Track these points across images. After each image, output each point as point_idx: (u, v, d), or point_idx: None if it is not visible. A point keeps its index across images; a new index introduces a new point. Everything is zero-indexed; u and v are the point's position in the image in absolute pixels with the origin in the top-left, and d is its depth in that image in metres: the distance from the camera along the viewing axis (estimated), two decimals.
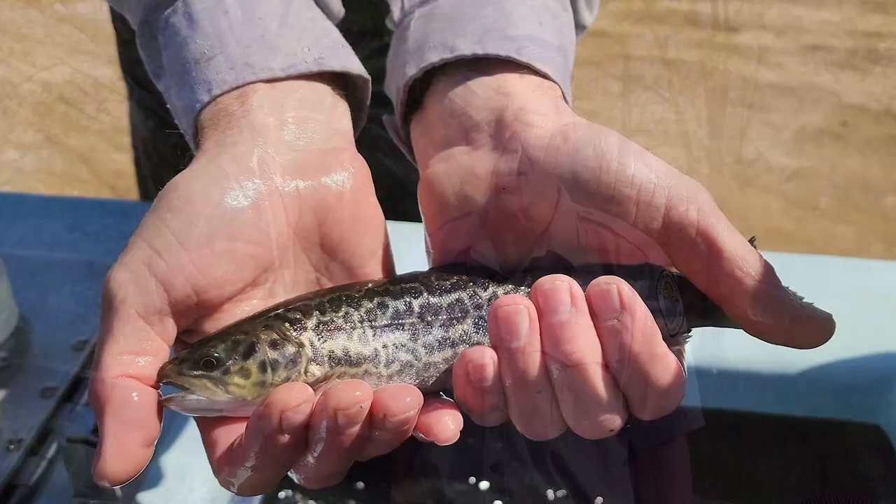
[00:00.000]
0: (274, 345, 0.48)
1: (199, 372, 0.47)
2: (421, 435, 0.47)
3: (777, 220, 2.87)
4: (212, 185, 0.49)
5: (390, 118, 0.61)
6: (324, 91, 0.56)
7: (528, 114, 0.52)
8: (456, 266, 0.52)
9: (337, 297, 0.50)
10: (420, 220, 0.56)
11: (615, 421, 0.47)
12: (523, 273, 0.52)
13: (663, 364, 0.46)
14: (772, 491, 1.04)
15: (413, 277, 0.52)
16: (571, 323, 0.45)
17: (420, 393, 0.47)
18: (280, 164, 0.51)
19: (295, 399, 0.44)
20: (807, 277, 1.04)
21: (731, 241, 0.47)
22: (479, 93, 0.53)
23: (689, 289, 0.51)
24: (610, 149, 0.48)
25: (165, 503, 0.82)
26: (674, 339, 0.51)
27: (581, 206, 0.48)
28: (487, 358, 0.46)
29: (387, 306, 0.50)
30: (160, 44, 0.58)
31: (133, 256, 0.47)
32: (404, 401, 0.45)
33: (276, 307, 0.50)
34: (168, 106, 0.59)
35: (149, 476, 0.84)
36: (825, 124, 3.36)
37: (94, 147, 3.34)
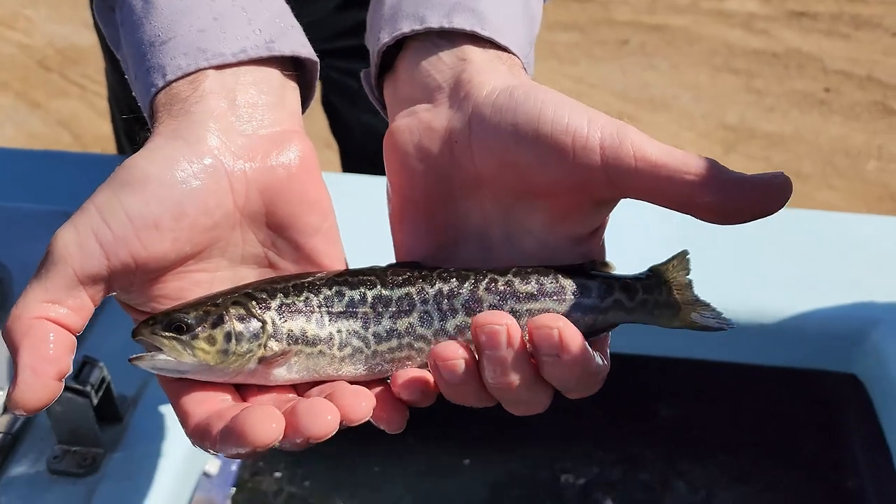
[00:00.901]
0: (241, 318, 0.53)
1: (170, 334, 0.53)
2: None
3: None
4: (165, 168, 0.52)
5: (367, 73, 0.65)
6: (273, 74, 0.59)
7: (482, 77, 0.56)
8: (411, 264, 0.58)
9: (300, 284, 0.55)
10: None
11: (544, 406, 0.54)
12: (469, 270, 0.56)
13: (593, 376, 0.52)
14: (749, 441, 1.06)
15: (371, 271, 0.56)
16: (507, 359, 0.51)
17: (371, 396, 0.53)
18: (229, 148, 0.54)
19: (270, 434, 0.48)
20: (785, 230, 1.05)
21: (668, 155, 0.50)
22: (444, 59, 0.58)
23: (618, 286, 0.56)
24: (546, 103, 0.53)
25: (146, 448, 0.82)
26: (602, 333, 0.57)
27: (524, 156, 0.53)
28: (459, 353, 0.52)
29: (343, 295, 0.55)
30: (117, 19, 0.61)
31: (83, 220, 0.51)
32: (360, 406, 0.51)
33: (247, 286, 0.55)
34: (125, 76, 0.62)
35: (131, 425, 0.84)
36: (809, 90, 3.37)
37: (76, 112, 3.32)
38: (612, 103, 3.30)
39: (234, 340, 0.53)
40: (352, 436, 1.05)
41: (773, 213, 0.49)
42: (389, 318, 0.55)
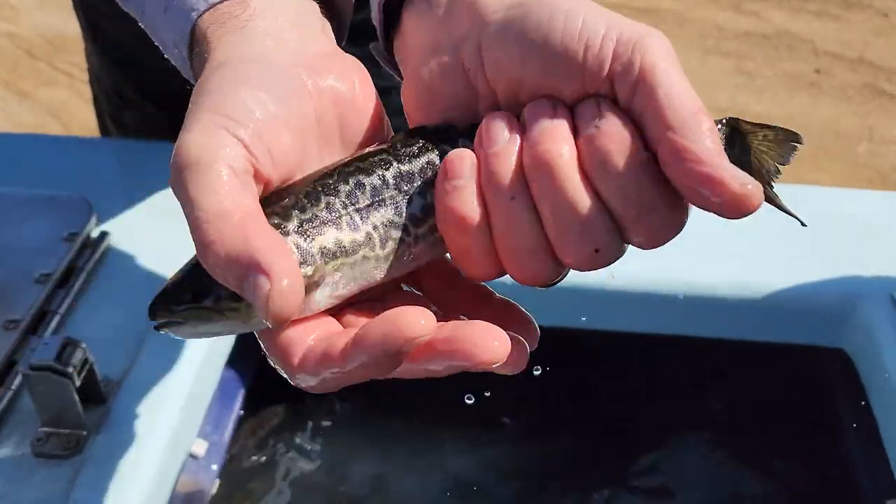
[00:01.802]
0: None
1: (188, 305, 0.46)
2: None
3: None
4: (259, 67, 0.48)
5: (376, 45, 0.60)
6: (312, 5, 0.56)
7: None
8: (414, 131, 0.51)
9: (312, 190, 0.47)
10: None
11: (601, 236, 0.45)
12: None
13: (650, 172, 0.44)
14: (737, 417, 1.06)
15: (378, 150, 0.50)
16: (550, 129, 0.45)
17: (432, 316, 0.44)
18: (294, 61, 0.50)
19: (422, 329, 0.42)
20: (772, 206, 1.04)
21: (670, 88, 0.44)
22: None
23: None
24: (558, 7, 0.47)
25: (131, 430, 0.82)
26: None
27: (535, 72, 0.47)
28: (465, 154, 0.46)
29: (364, 185, 0.48)
30: None
31: (204, 122, 0.45)
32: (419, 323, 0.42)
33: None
34: (142, 25, 0.58)
35: (115, 407, 0.84)
36: (799, 72, 3.36)
37: (64, 101, 3.29)
38: None
39: None
40: (342, 413, 1.05)
41: (717, 214, 0.44)
42: (418, 194, 0.48)
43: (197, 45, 0.53)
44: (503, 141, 0.46)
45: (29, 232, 0.97)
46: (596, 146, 0.44)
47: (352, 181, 0.48)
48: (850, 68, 3.36)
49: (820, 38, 3.52)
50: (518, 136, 0.46)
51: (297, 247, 0.46)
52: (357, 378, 0.45)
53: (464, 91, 0.51)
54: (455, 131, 0.50)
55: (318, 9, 0.57)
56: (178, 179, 0.44)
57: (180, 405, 0.86)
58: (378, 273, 0.48)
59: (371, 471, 1.02)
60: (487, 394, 0.93)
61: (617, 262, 0.46)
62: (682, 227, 0.46)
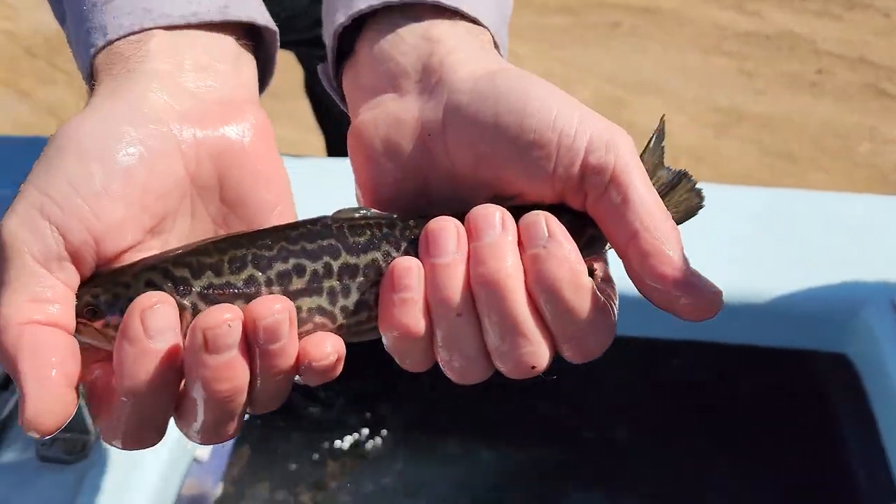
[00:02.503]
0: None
1: (83, 319, 0.46)
2: (299, 363, 0.45)
3: (751, 167, 2.89)
4: (105, 129, 0.47)
5: (325, 66, 0.60)
6: (227, 41, 0.54)
7: (454, 59, 0.51)
8: (359, 211, 0.50)
9: (241, 256, 0.46)
10: None
11: (539, 356, 0.46)
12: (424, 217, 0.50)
13: (589, 297, 0.45)
14: (739, 421, 1.06)
15: (326, 232, 0.48)
16: (498, 244, 0.45)
17: (291, 304, 0.45)
18: (177, 111, 0.49)
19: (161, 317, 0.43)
20: (774, 210, 1.05)
21: (642, 194, 0.46)
22: (408, 39, 0.53)
23: (591, 222, 0.50)
24: (534, 93, 0.48)
25: None
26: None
27: (504, 151, 0.48)
28: (413, 265, 0.46)
29: (304, 270, 0.47)
30: None
31: (24, 203, 0.45)
32: (273, 306, 0.43)
33: (171, 253, 0.47)
34: (69, 47, 0.57)
35: None
36: (800, 72, 3.37)
37: (63, 100, 3.29)
38: (603, 87, 3.30)
39: None
40: (347, 416, 1.06)
41: (692, 321, 0.45)
42: (357, 289, 0.47)
43: (91, 81, 0.52)
44: (451, 253, 0.45)
45: None
46: (543, 270, 0.45)
47: (292, 262, 0.47)
48: (851, 68, 3.36)
49: (821, 38, 3.52)
50: (465, 247, 0.45)
51: (194, 308, 0.45)
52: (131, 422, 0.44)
53: (416, 153, 0.51)
54: (399, 227, 0.49)
55: (237, 46, 0.55)
56: None
57: None
58: None
59: (376, 474, 1.02)
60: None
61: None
62: (609, 344, 0.47)
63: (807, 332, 0.98)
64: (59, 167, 0.45)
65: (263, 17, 0.56)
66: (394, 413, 1.06)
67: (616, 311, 0.47)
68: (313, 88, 1.31)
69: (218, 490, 0.95)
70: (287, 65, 0.93)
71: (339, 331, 0.48)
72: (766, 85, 3.31)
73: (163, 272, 0.46)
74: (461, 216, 0.47)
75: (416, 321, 0.46)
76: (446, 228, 0.46)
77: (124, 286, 0.46)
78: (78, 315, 0.45)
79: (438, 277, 0.45)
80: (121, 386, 0.43)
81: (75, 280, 0.46)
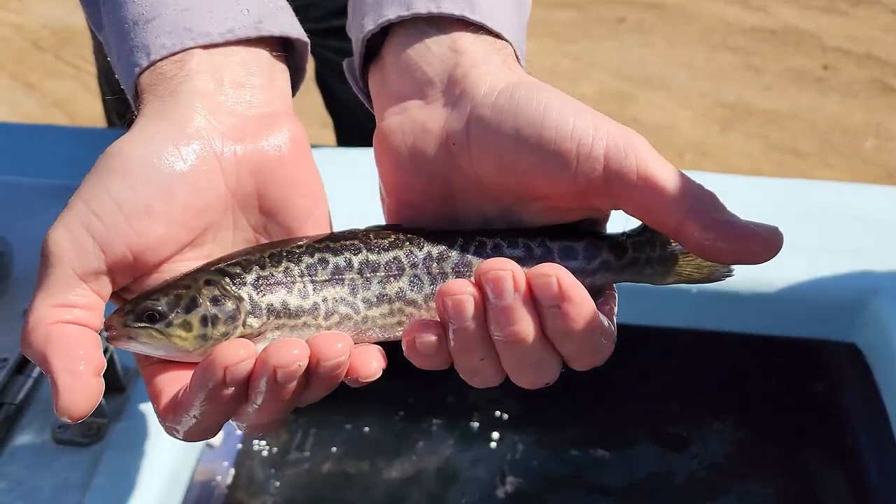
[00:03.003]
0: (215, 300, 0.50)
1: (143, 324, 0.50)
2: (347, 376, 0.50)
3: (758, 163, 2.89)
4: (151, 150, 0.51)
5: (350, 63, 0.62)
6: (262, 55, 0.57)
7: (477, 73, 0.54)
8: (390, 226, 0.55)
9: (277, 253, 0.52)
10: None
11: (552, 375, 0.51)
12: (454, 232, 0.54)
13: (599, 330, 0.49)
14: (748, 411, 1.06)
15: (353, 234, 0.54)
16: (514, 308, 0.48)
17: (350, 339, 0.50)
18: (218, 129, 0.53)
19: (238, 356, 0.47)
20: (784, 201, 1.05)
21: (671, 179, 0.49)
22: (434, 49, 0.55)
23: (606, 247, 0.54)
24: (550, 105, 0.51)
25: (150, 418, 0.82)
26: (597, 295, 0.54)
27: (526, 160, 0.51)
28: (433, 334, 0.49)
29: (327, 262, 0.52)
30: None
31: (72, 216, 0.49)
32: (335, 347, 0.48)
33: (218, 261, 0.52)
34: (108, 58, 0.60)
35: (134, 395, 0.84)
36: (807, 67, 3.36)
37: (71, 93, 3.30)
38: (609, 82, 3.30)
39: (210, 324, 0.50)
40: (354, 404, 1.06)
41: (758, 264, 0.49)
42: (378, 283, 0.53)
43: (137, 100, 0.56)
44: (468, 319, 0.48)
45: (46, 220, 0.98)
46: (557, 326, 0.48)
47: (317, 256, 0.53)
48: (858, 64, 3.36)
49: (827, 34, 3.52)
50: (481, 310, 0.48)
51: (250, 298, 0.51)
52: (211, 422, 0.49)
53: (441, 160, 0.54)
54: (426, 239, 0.54)
55: (270, 58, 0.58)
56: (40, 267, 0.49)
57: None
58: None
59: (386, 461, 1.03)
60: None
61: None
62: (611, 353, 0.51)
63: (816, 321, 0.98)
64: (108, 186, 0.50)
65: (296, 30, 0.59)
66: (401, 395, 1.07)
67: (615, 322, 0.52)
68: (323, 77, 1.32)
69: (229, 475, 0.95)
70: None
71: (364, 323, 0.53)
72: (772, 80, 3.30)
73: (219, 272, 0.51)
74: (486, 222, 0.54)
75: (437, 357, 0.50)
76: (458, 293, 0.48)
77: (184, 287, 0.50)
78: (137, 320, 0.50)
79: (458, 338, 0.49)
80: (191, 406, 0.48)
81: (108, 290, 0.50)
